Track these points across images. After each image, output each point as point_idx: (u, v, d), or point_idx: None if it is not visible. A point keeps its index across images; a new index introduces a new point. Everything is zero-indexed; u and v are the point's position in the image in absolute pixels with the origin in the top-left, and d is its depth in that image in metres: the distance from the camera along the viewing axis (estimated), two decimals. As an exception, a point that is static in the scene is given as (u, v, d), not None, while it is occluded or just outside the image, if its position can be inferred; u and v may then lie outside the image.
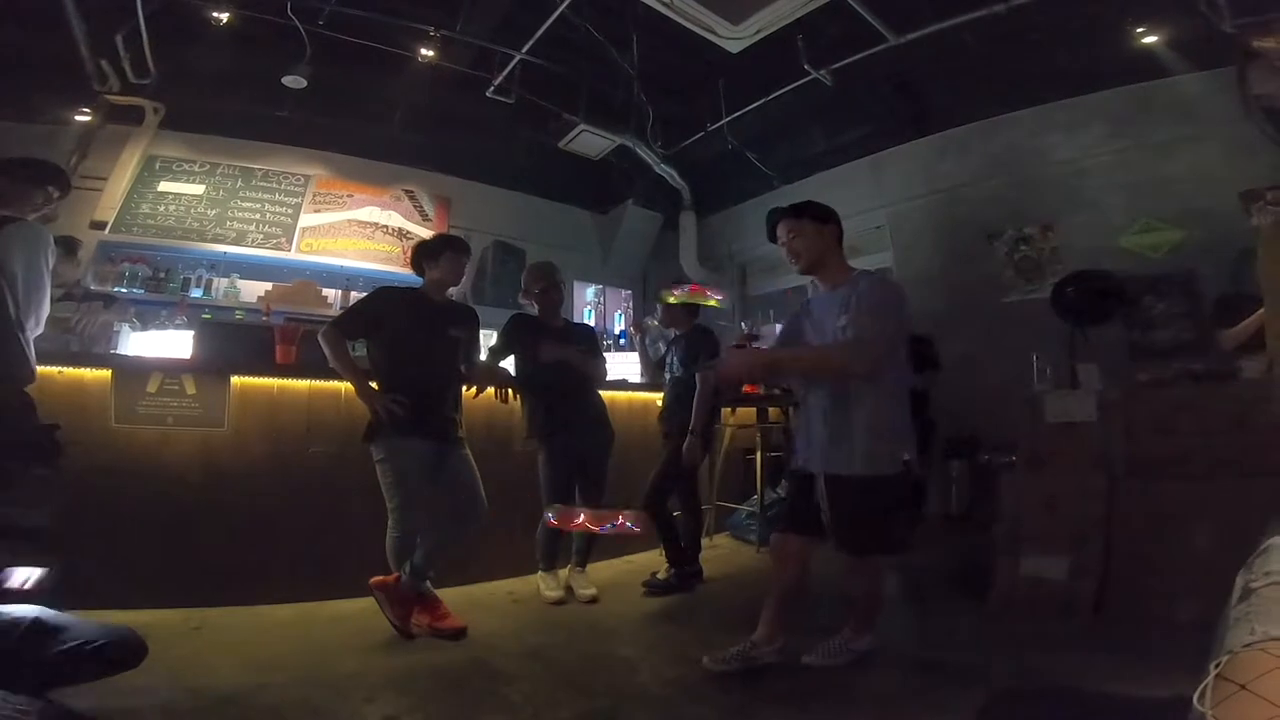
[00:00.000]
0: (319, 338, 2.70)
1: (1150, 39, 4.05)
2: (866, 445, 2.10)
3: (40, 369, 2.57)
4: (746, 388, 4.16)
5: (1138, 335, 4.27)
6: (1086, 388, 2.96)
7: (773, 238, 2.39)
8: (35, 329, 2.09)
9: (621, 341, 5.86)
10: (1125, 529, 2.68)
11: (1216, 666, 0.58)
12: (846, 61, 4.67)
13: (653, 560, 3.69)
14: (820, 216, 2.32)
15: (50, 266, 2.12)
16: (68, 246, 3.45)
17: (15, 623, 1.54)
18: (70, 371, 2.70)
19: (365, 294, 2.98)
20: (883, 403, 2.13)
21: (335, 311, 5.29)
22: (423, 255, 2.91)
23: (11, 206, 2.13)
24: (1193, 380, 2.91)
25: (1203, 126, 4.08)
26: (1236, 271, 3.44)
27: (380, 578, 2.63)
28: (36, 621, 1.57)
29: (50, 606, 1.67)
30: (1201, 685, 0.58)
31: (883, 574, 2.39)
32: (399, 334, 2.72)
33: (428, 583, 2.68)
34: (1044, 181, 4.77)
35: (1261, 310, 2.92)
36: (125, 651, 1.68)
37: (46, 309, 2.14)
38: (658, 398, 3.90)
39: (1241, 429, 2.58)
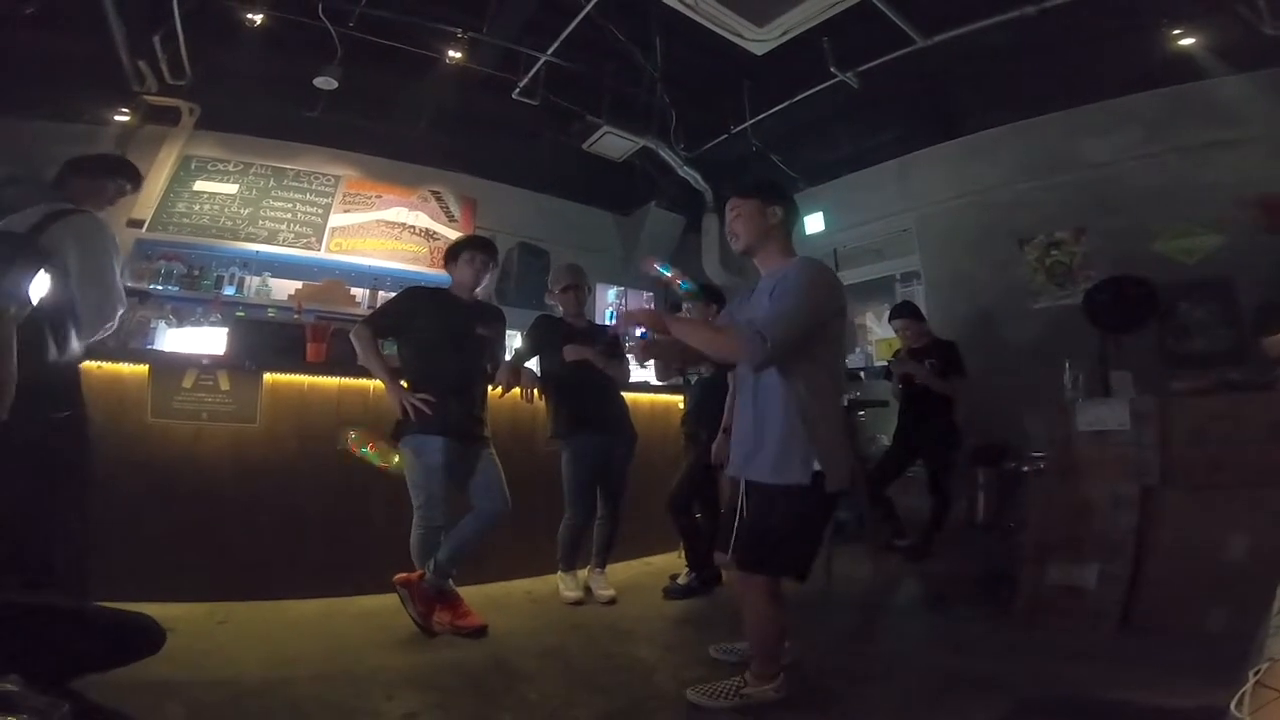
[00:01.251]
0: (351, 336, 2.77)
1: (1187, 41, 3.94)
2: (777, 450, 1.95)
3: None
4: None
5: (1172, 343, 4.18)
6: (1120, 396, 2.90)
7: None
8: (98, 324, 2.09)
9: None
10: (1156, 538, 2.63)
11: (1256, 674, 0.58)
12: (874, 64, 4.63)
13: (671, 562, 3.69)
14: (767, 197, 2.14)
15: (117, 258, 2.12)
16: None
17: (35, 611, 1.56)
18: (109, 366, 2.77)
19: (395, 293, 3.03)
20: (802, 404, 1.93)
21: (363, 311, 5.39)
22: (449, 256, 2.99)
23: (85, 200, 2.18)
24: (1229, 390, 2.84)
25: (1241, 130, 3.97)
26: (1277, 277, 3.34)
27: (404, 575, 2.67)
28: (55, 610, 1.60)
29: (71, 595, 1.70)
30: (1240, 691, 0.58)
31: (772, 605, 2.00)
32: (427, 333, 2.78)
33: (450, 581, 2.71)
34: (1076, 185, 4.68)
35: None
36: (143, 639, 1.71)
37: (115, 304, 2.14)
38: (678, 400, 3.90)
39: (1278, 440, 2.51)
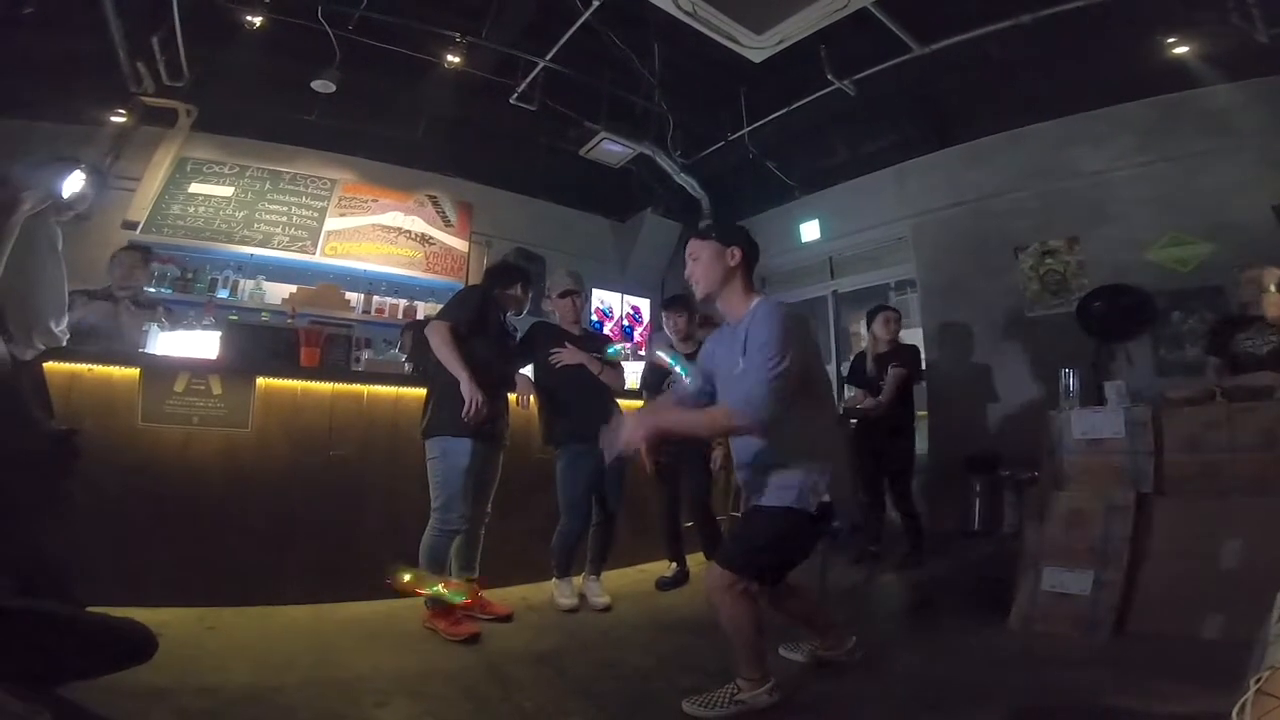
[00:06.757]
0: (428, 331, 2.82)
1: (1180, 50, 3.97)
2: (782, 478, 1.97)
3: (69, 366, 2.62)
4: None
5: (1165, 351, 4.19)
6: (1113, 404, 2.91)
7: None
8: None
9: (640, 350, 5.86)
10: (1151, 545, 2.63)
11: (1258, 681, 0.58)
12: (870, 72, 4.65)
13: (665, 569, 3.67)
14: (724, 239, 2.09)
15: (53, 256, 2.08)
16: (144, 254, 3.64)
17: (25, 616, 1.54)
18: (100, 369, 2.74)
19: (461, 290, 3.15)
20: (798, 437, 1.96)
21: (358, 315, 5.38)
22: (506, 277, 3.11)
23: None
24: (1223, 398, 2.85)
25: (1234, 138, 3.99)
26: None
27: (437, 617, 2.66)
28: (46, 615, 1.57)
29: (62, 600, 1.68)
30: (1241, 700, 0.58)
31: (740, 603, 1.94)
32: (483, 336, 2.88)
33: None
34: (1070, 194, 4.70)
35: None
36: (135, 646, 1.69)
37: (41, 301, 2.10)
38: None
39: (1272, 448, 2.53)
